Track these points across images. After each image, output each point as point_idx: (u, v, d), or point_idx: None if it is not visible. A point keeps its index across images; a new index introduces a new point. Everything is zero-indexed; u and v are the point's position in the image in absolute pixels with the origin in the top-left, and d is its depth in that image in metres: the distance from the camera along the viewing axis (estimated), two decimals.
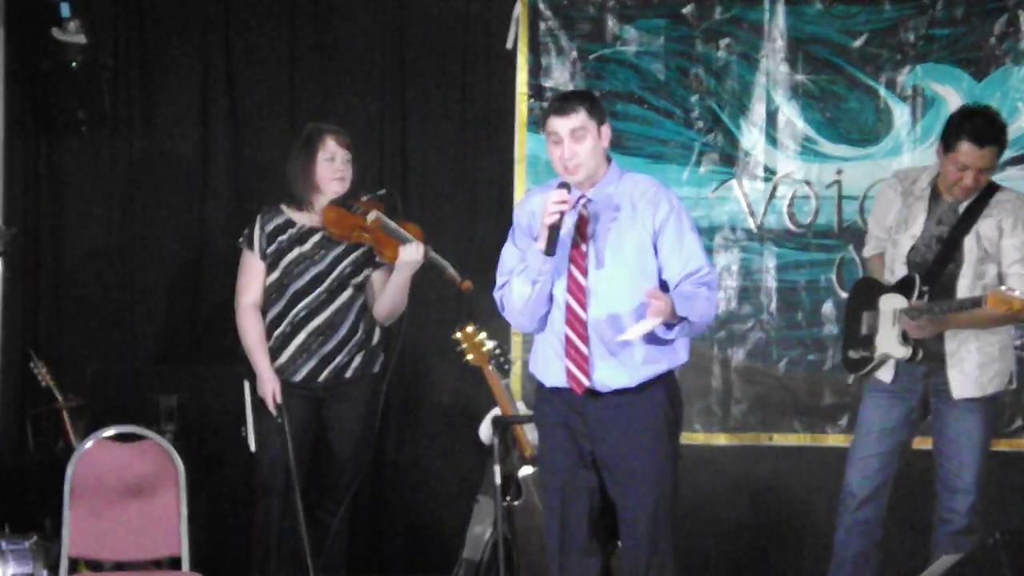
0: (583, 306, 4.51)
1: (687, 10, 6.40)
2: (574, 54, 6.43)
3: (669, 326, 4.44)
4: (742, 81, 6.39)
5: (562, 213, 4.42)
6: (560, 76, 6.43)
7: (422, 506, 6.45)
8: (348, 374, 5.59)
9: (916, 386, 5.35)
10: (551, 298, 4.55)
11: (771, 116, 6.37)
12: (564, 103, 4.56)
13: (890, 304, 5.31)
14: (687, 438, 6.32)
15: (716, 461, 6.34)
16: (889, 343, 5.30)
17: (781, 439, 6.32)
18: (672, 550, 4.60)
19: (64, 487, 5.09)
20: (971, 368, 5.28)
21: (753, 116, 6.39)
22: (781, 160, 6.38)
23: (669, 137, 6.39)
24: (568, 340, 4.52)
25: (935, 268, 5.27)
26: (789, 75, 6.36)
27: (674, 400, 4.64)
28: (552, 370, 4.59)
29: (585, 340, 4.51)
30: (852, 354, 5.45)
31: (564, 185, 4.49)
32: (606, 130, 4.57)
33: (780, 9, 6.35)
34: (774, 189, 6.38)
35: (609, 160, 4.62)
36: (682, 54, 6.41)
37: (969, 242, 5.26)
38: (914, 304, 5.23)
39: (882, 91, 6.31)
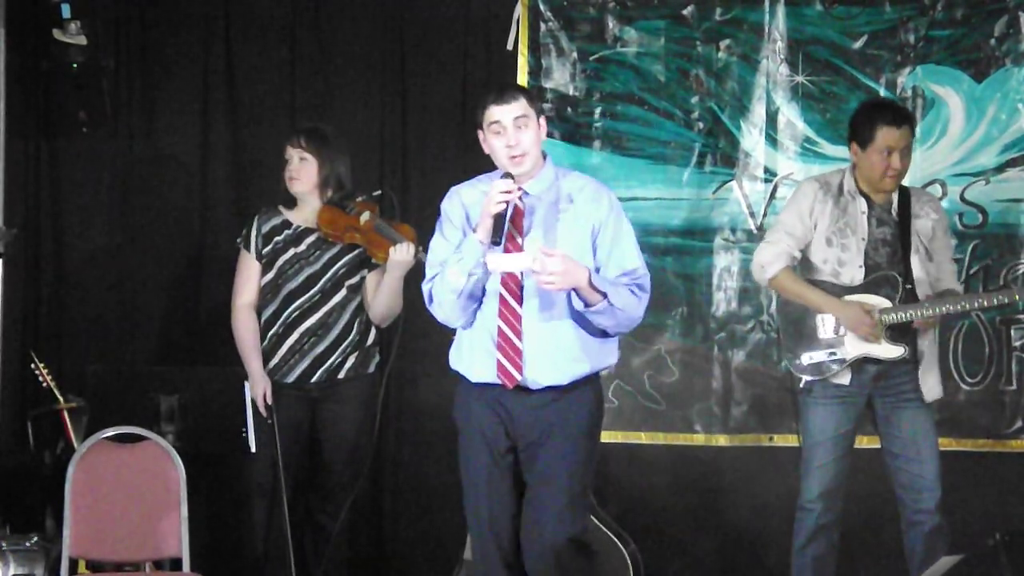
0: (518, 300, 4.45)
1: (687, 11, 6.40)
2: (574, 55, 6.43)
3: (588, 304, 4.39)
4: (742, 82, 6.39)
5: (507, 203, 4.39)
6: (560, 77, 6.43)
7: (422, 507, 6.45)
8: (342, 375, 5.59)
9: (865, 389, 5.33)
10: (483, 292, 4.49)
11: (771, 117, 6.37)
12: (503, 92, 4.53)
13: (869, 304, 5.26)
14: (687, 439, 6.35)
15: (716, 462, 6.34)
16: (880, 345, 5.28)
17: (781, 440, 6.31)
18: (578, 543, 4.51)
19: (64, 488, 5.08)
20: (936, 371, 5.34)
21: (753, 117, 6.38)
22: (781, 161, 6.38)
23: (669, 138, 6.39)
24: (501, 333, 4.45)
25: (898, 268, 5.27)
26: (789, 76, 6.36)
27: (599, 402, 4.62)
28: (480, 364, 4.50)
29: (519, 334, 4.44)
30: (807, 358, 5.35)
31: (508, 175, 4.46)
32: (543, 123, 4.56)
33: (780, 10, 6.35)
34: (774, 190, 6.38)
35: (544, 156, 4.59)
36: (682, 55, 6.41)
37: (915, 241, 5.30)
38: (940, 296, 5.26)
39: (882, 92, 6.29)
